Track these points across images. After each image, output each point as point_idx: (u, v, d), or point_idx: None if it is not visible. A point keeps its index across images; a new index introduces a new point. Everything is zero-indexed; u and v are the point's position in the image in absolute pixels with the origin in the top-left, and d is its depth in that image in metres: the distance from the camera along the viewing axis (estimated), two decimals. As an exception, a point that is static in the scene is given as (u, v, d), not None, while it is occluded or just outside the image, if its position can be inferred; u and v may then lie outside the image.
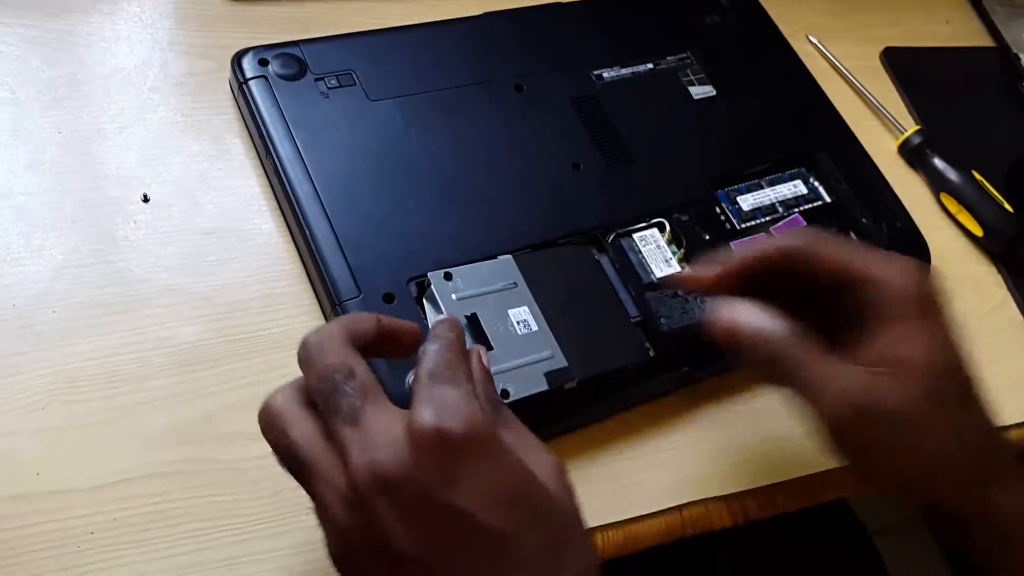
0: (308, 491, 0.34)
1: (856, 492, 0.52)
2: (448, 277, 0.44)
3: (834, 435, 0.38)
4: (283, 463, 0.34)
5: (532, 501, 0.33)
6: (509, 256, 0.46)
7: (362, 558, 0.32)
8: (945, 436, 0.38)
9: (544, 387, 0.43)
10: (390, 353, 0.38)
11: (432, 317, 0.44)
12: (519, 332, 0.44)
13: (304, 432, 0.33)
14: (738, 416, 0.51)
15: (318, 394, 0.33)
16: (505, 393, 0.42)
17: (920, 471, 0.39)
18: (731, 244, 0.53)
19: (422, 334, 0.38)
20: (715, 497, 0.48)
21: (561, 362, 0.44)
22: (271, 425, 0.34)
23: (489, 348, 0.42)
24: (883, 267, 0.39)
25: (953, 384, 0.39)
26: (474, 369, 0.37)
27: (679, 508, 0.48)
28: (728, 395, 0.52)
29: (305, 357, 0.34)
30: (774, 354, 0.38)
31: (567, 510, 0.35)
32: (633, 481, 0.47)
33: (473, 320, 0.43)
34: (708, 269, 0.41)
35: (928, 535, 1.35)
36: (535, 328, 0.44)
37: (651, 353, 0.47)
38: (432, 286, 0.43)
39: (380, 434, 0.31)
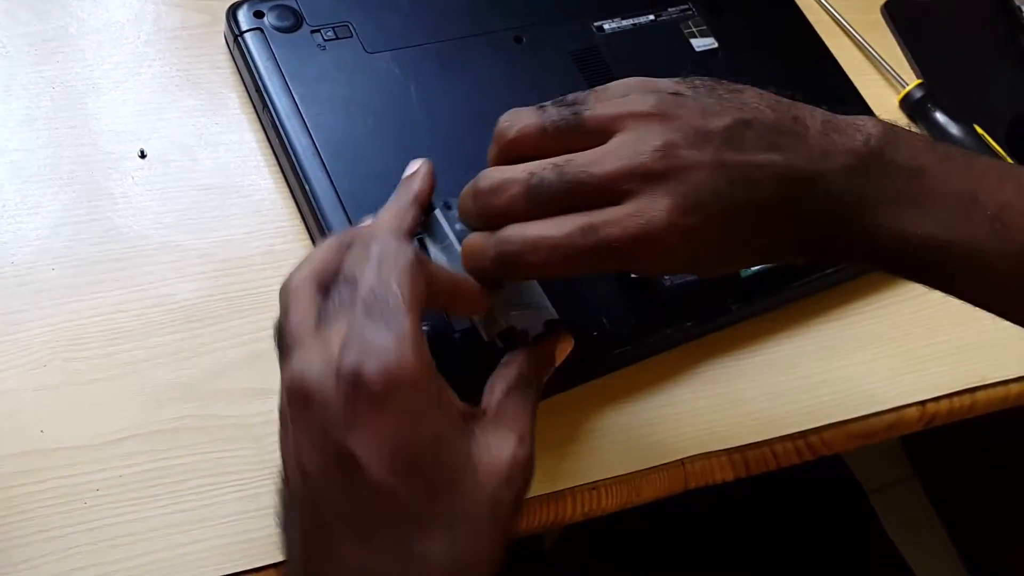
0: None
1: (851, 447, 0.53)
2: (448, 207, 0.41)
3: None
4: (275, 335, 0.34)
5: (440, 475, 0.31)
6: None
7: (283, 448, 0.33)
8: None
9: (541, 331, 0.40)
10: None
11: (433, 251, 0.41)
12: None
13: (298, 319, 0.33)
14: (740, 371, 0.51)
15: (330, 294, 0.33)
16: (511, 331, 0.39)
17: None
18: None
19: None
20: (717, 451, 0.49)
21: (552, 314, 0.41)
22: (281, 299, 0.34)
23: (499, 287, 0.40)
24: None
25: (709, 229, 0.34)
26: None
27: (682, 461, 0.48)
28: (730, 350, 0.52)
29: (349, 251, 0.33)
30: None
31: (483, 504, 0.32)
32: (636, 435, 0.48)
33: None
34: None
35: (923, 493, 1.37)
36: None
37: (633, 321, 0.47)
38: (436, 211, 0.41)
39: (319, 351, 0.31)
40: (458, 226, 0.40)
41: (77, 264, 0.44)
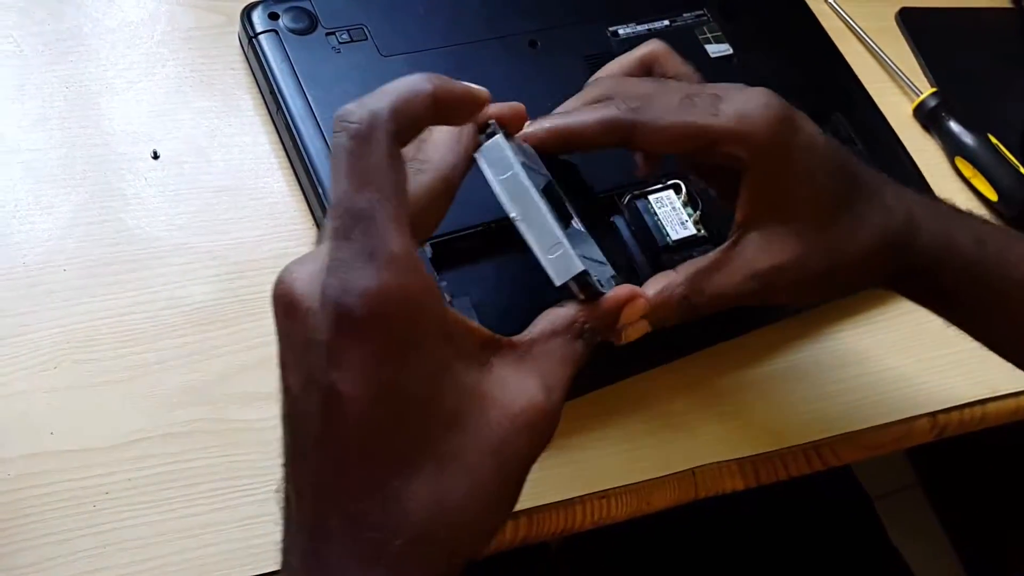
0: None
1: (862, 457, 0.52)
2: (509, 137, 0.35)
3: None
4: None
5: (436, 412, 0.28)
6: None
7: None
8: (854, 237, 0.39)
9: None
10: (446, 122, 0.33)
11: (493, 182, 0.34)
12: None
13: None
14: (751, 381, 0.51)
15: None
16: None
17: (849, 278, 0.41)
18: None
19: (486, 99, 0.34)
20: (728, 460, 0.48)
21: (617, 278, 0.37)
22: None
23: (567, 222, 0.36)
24: (728, 124, 0.37)
25: (831, 199, 0.39)
26: None
27: (692, 471, 0.48)
28: (742, 360, 0.52)
29: (341, 169, 0.28)
30: None
31: (486, 446, 0.29)
32: (647, 443, 0.47)
33: (548, 189, 0.35)
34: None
35: (927, 501, 1.37)
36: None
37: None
38: (498, 135, 0.34)
39: (312, 263, 0.28)
40: (522, 158, 0.34)
41: (89, 265, 0.44)
